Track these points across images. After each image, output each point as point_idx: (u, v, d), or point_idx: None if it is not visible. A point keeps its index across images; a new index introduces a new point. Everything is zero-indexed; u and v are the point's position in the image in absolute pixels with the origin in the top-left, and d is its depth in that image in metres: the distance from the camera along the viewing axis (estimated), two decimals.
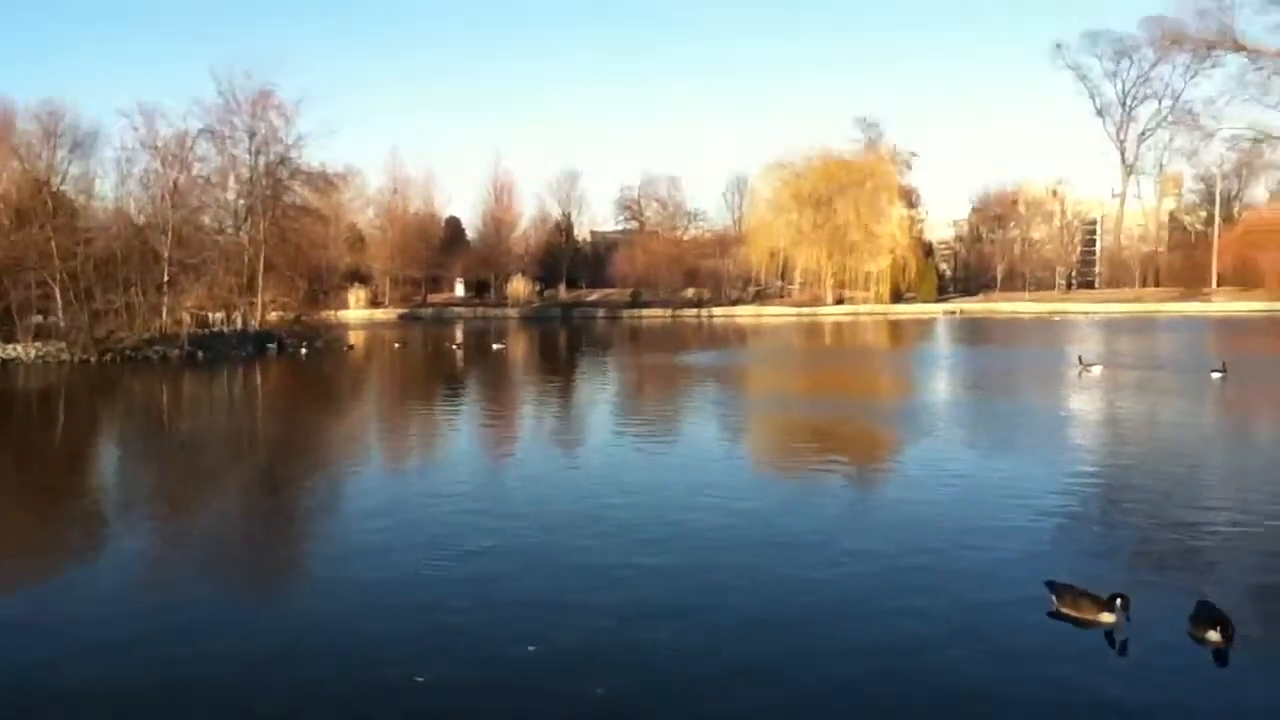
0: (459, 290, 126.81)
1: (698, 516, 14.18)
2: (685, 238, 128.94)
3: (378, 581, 11.32)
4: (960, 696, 7.96)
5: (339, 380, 43.57)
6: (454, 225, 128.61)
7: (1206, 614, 9.08)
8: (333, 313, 71.04)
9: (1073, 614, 9.50)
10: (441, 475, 18.85)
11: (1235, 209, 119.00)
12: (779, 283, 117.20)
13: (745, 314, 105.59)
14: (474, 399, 34.79)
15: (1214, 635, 8.83)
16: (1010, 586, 10.65)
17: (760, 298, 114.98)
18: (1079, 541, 12.63)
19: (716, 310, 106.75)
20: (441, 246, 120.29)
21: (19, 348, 47.11)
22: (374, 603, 10.59)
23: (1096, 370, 36.21)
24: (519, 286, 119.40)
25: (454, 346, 63.22)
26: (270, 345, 55.66)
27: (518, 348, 63.63)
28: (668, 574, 11.44)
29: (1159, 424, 24.56)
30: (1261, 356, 44.68)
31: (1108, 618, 9.26)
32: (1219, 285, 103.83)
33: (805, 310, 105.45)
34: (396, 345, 64.53)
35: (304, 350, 55.04)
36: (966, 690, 8.08)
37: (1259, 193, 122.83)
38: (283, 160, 66.26)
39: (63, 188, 56.35)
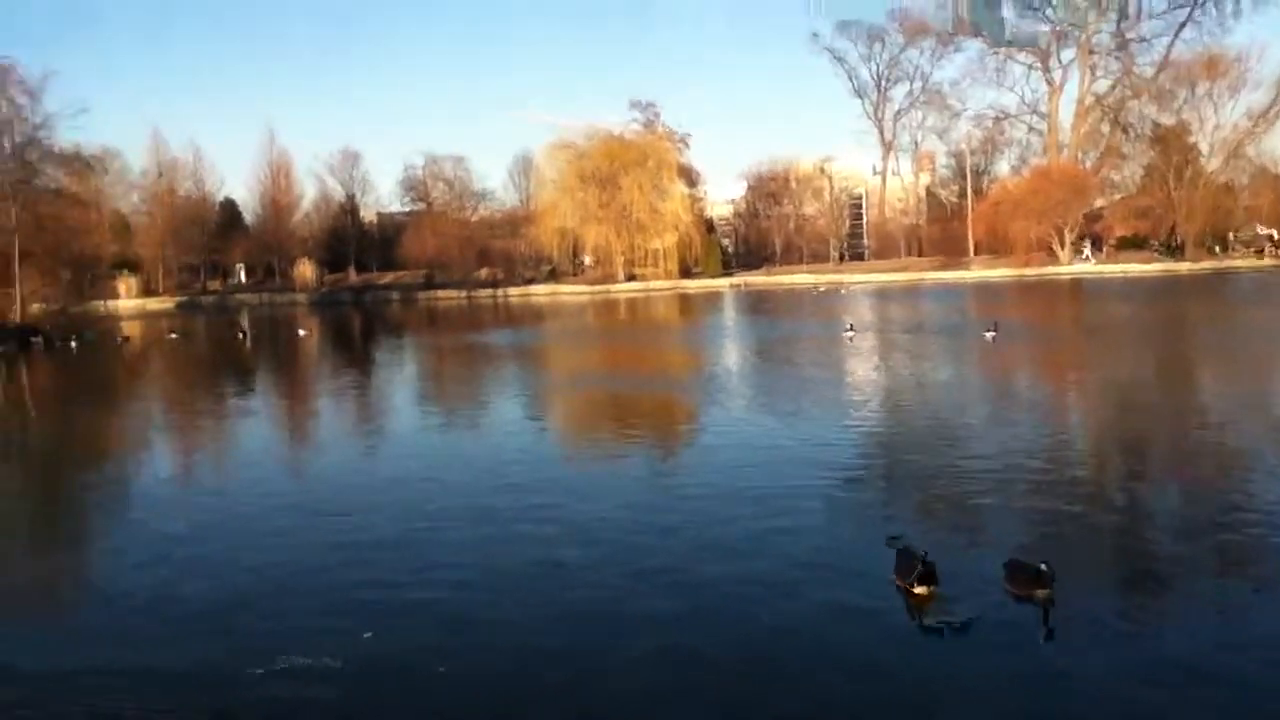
0: (241, 276, 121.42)
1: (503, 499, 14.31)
2: (474, 218, 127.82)
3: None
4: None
5: (115, 375, 41.24)
6: (230, 208, 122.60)
7: (1022, 571, 9.07)
8: (102, 303, 66.83)
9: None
10: (233, 472, 18.44)
11: (985, 182, 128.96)
12: (581, 260, 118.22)
13: (541, 293, 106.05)
14: (268, 390, 33.85)
15: (1041, 592, 8.82)
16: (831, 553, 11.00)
17: (555, 276, 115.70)
18: (890, 504, 13.39)
19: (512, 290, 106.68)
20: (218, 231, 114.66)
21: None
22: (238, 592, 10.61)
23: (857, 336, 38.60)
24: (305, 270, 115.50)
25: (241, 335, 60.66)
26: (35, 339, 51.82)
27: (310, 334, 61.71)
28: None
29: (953, 380, 26.92)
30: (1021, 317, 49.19)
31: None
32: (975, 254, 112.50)
33: (599, 288, 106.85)
34: (173, 336, 61.04)
35: (73, 344, 51.54)
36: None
37: (1003, 167, 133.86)
38: (31, 141, 61.60)
39: None
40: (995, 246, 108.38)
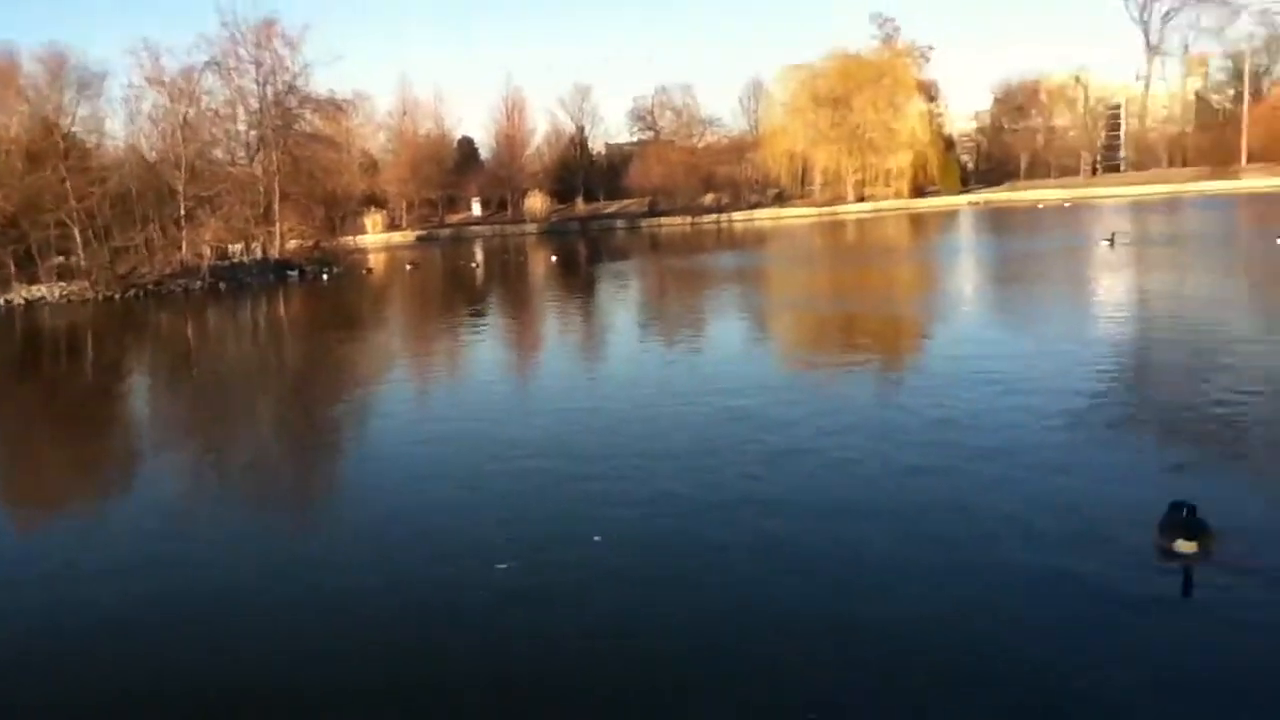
0: (476, 209, 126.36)
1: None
2: (701, 145, 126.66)
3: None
4: None
5: (358, 303, 43.64)
6: (467, 145, 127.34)
7: (1179, 520, 7.47)
8: (351, 238, 70.79)
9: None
10: (452, 394, 18.87)
11: (1265, 85, 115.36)
12: (810, 184, 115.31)
13: (765, 217, 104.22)
14: (494, 315, 34.72)
15: (1186, 546, 7.42)
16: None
17: (780, 200, 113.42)
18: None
19: (736, 215, 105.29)
20: (455, 167, 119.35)
21: (43, 288, 47.33)
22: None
23: (1123, 246, 36.16)
24: (536, 202, 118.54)
25: (473, 265, 62.79)
26: (290, 273, 55.53)
27: (537, 261, 63.02)
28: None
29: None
30: None
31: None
32: (1249, 162, 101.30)
33: (826, 210, 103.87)
34: (409, 267, 63.61)
35: (324, 276, 54.98)
36: None
37: None
38: (290, 89, 65.49)
39: (73, 129, 55.82)
40: (1273, 154, 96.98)
